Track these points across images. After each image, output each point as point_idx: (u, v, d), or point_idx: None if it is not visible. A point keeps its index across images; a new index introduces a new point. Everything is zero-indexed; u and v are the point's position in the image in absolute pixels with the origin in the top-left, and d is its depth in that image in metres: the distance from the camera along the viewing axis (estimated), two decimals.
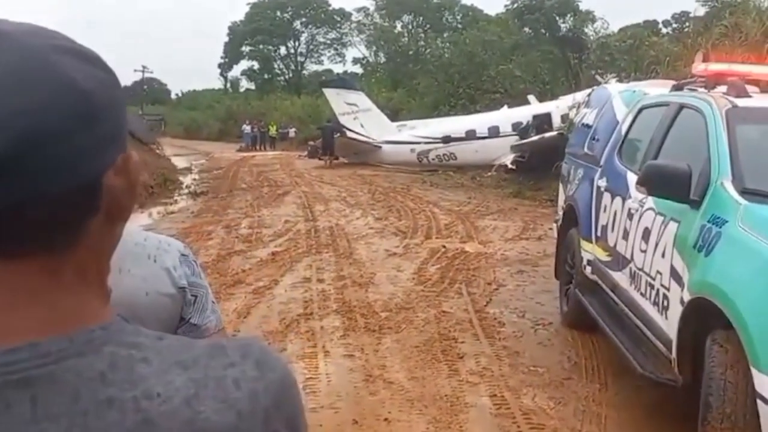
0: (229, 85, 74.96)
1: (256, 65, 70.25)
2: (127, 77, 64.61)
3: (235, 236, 11.31)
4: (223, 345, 0.74)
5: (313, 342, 6.09)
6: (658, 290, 4.28)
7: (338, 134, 25.85)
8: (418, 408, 4.73)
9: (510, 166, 19.50)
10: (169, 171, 22.88)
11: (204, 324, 1.60)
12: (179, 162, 28.07)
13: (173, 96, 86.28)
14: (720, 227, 3.68)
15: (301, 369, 5.31)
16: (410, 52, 53.00)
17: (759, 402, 3.01)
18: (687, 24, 33.83)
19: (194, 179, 22.47)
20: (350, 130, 25.68)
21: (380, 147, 24.39)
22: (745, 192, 3.76)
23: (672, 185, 4.06)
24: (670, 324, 4.04)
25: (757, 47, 10.16)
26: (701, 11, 21.58)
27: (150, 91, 79.89)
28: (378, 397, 4.93)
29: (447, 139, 22.76)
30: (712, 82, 4.93)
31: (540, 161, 16.92)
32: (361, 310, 7.01)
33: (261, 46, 67.75)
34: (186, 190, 18.98)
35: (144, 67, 67.05)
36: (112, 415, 0.64)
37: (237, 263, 9.20)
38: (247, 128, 42.43)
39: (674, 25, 44.00)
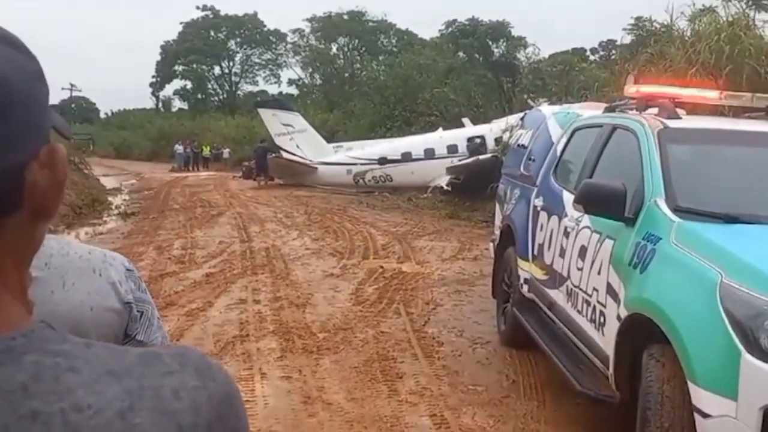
0: (160, 104, 73.65)
1: (189, 85, 69.25)
2: (54, 95, 62.47)
3: (168, 257, 11.01)
4: (158, 353, 0.68)
5: (249, 364, 5.95)
6: (594, 307, 4.34)
7: (273, 154, 25.66)
8: (358, 429, 4.66)
9: (445, 187, 19.70)
10: (97, 191, 22.21)
11: (150, 341, 1.53)
12: (108, 182, 27.32)
13: (102, 115, 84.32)
14: (654, 244, 3.76)
15: None
16: (346, 75, 53.33)
17: (696, 415, 3.06)
18: (613, 51, 35.05)
19: (124, 200, 21.88)
20: (286, 151, 25.55)
21: (316, 168, 24.31)
22: (677, 210, 3.86)
23: (607, 203, 4.14)
24: (606, 340, 4.10)
25: (681, 73, 10.57)
26: (627, 39, 22.39)
27: (78, 109, 77.88)
28: (317, 419, 4.83)
29: (383, 161, 22.86)
30: (643, 103, 5.07)
31: (474, 183, 17.15)
32: (299, 332, 6.89)
33: (194, 66, 66.80)
34: (116, 211, 18.42)
35: (72, 85, 65.27)
36: (36, 430, 0.58)
37: (169, 285, 8.94)
38: (179, 148, 41.71)
39: (601, 53, 45.49)
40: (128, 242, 12.73)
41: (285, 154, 25.44)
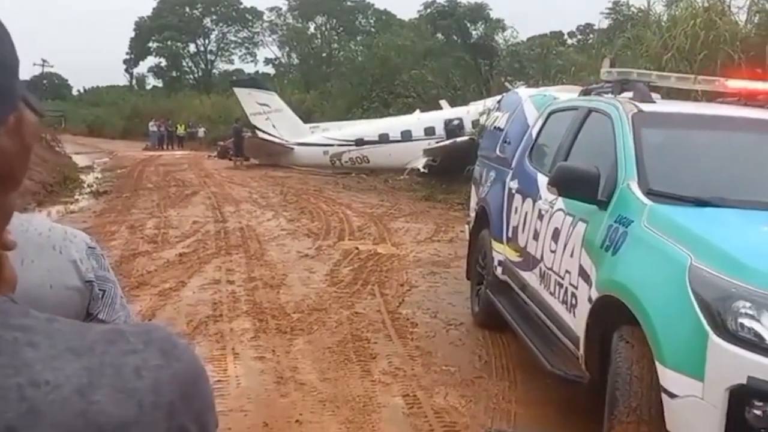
0: (134, 82, 72.66)
1: (163, 62, 68.31)
2: (26, 71, 61.74)
3: (140, 237, 10.92)
4: (122, 330, 0.67)
5: (222, 344, 5.92)
6: (566, 289, 4.38)
7: (249, 134, 25.45)
8: (331, 409, 4.67)
9: (422, 169, 19.71)
10: (69, 169, 21.93)
11: (112, 320, 1.51)
12: (80, 160, 26.97)
13: (75, 92, 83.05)
14: (626, 227, 3.79)
15: (210, 371, 5.14)
16: (323, 55, 53.00)
17: (663, 395, 3.11)
18: (591, 35, 35.19)
19: (97, 178, 21.61)
20: (262, 130, 25.36)
21: (292, 149, 24.17)
22: (650, 193, 3.89)
23: (581, 186, 4.15)
24: (578, 322, 4.14)
25: (657, 58, 10.65)
26: (605, 23, 22.46)
27: (50, 86, 76.59)
28: (289, 399, 4.84)
29: (360, 142, 22.79)
30: (618, 87, 5.08)
31: (451, 165, 17.17)
32: (273, 312, 6.88)
33: (169, 43, 65.84)
34: (88, 189, 18.21)
35: (44, 60, 64.22)
36: None
37: (142, 264, 8.87)
38: (153, 127, 41.25)
39: (579, 37, 45.64)
40: (100, 221, 12.59)
41: (261, 134, 25.26)
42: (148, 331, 0.68)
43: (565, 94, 6.32)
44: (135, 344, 0.66)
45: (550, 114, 5.94)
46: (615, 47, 13.46)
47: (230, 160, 27.19)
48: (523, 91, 7.61)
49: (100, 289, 1.50)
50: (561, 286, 4.47)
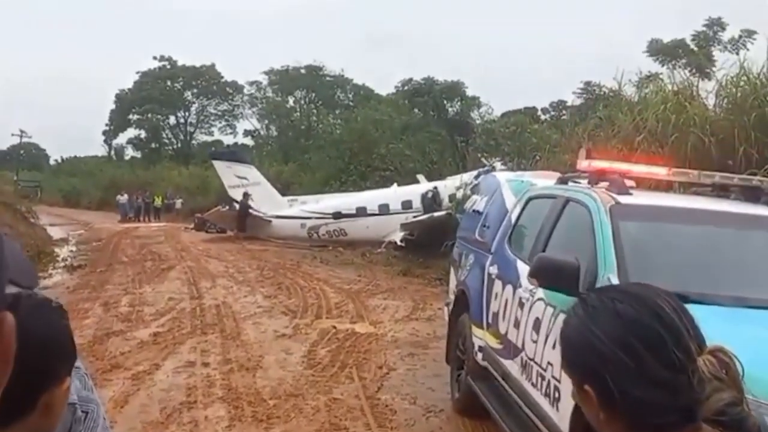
0: (113, 152, 72.75)
1: (143, 134, 68.55)
2: (3, 141, 61.99)
3: (114, 315, 10.72)
4: None
5: None
6: (549, 381, 4.32)
7: (225, 207, 25.36)
8: None
9: (399, 243, 19.75)
10: (43, 242, 21.67)
11: None
12: (55, 232, 26.71)
13: (53, 161, 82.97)
14: None
15: None
16: (302, 127, 53.56)
17: None
18: (563, 112, 36.08)
19: (71, 251, 21.35)
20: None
21: (270, 221, 24.17)
22: None
23: (561, 278, 4.15)
24: (561, 416, 4.07)
25: (629, 139, 10.89)
26: (577, 102, 23.10)
27: (28, 156, 76.53)
28: None
29: (338, 215, 22.86)
30: (595, 177, 5.16)
31: (428, 239, 17.24)
32: (249, 398, 6.72)
33: (149, 115, 66.18)
34: (62, 263, 17.96)
35: (22, 131, 64.25)
36: None
37: (115, 345, 8.68)
38: (122, 198, 41.00)
39: (552, 113, 46.64)
40: (74, 298, 12.36)
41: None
42: None
43: (543, 180, 6.40)
44: None
45: (528, 200, 6.00)
46: (588, 127, 13.76)
47: (207, 232, 27.11)
48: (501, 176, 7.70)
49: (82, 411, 1.45)
50: (543, 378, 4.41)
